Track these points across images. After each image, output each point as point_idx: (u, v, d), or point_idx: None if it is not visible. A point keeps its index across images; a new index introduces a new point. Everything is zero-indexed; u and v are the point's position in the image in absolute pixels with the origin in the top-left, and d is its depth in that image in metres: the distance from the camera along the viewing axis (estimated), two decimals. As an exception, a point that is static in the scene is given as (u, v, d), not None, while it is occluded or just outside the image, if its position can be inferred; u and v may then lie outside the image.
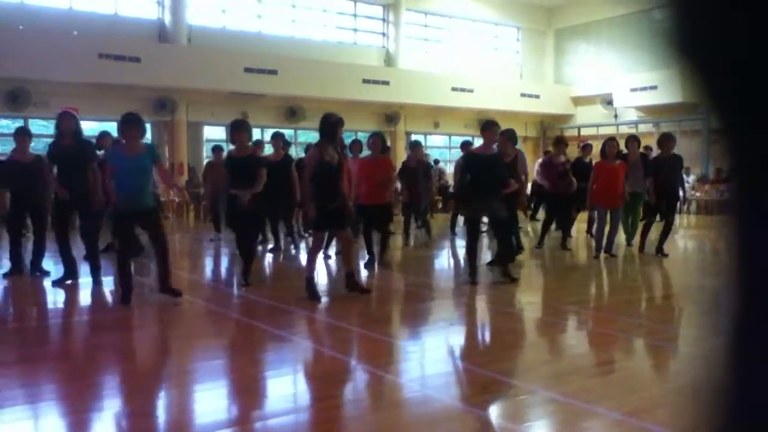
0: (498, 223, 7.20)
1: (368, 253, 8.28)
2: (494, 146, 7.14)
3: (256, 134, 19.83)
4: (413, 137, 21.68)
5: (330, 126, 6.24)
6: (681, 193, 10.06)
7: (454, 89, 20.93)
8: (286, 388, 4.04)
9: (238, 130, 6.93)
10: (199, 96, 17.43)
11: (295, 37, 19.84)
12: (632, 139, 9.73)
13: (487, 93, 21.41)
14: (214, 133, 18.92)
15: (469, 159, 7.32)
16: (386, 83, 19.85)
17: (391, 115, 20.86)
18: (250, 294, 6.64)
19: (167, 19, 17.73)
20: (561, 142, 10.43)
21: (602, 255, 9.14)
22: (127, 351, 4.91)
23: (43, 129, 16.37)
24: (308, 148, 8.77)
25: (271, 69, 17.75)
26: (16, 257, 7.63)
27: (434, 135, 22.87)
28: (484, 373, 4.10)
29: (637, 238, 9.66)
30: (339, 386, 3.99)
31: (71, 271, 7.12)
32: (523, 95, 22.57)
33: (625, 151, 9.60)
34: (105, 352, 4.74)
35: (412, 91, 20.07)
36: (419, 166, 10.77)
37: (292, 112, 19.08)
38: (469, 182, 6.99)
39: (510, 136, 8.31)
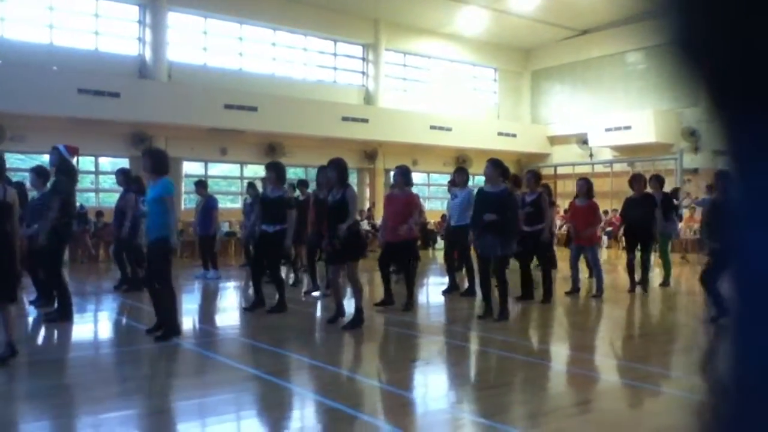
0: None
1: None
2: None
3: (235, 170, 19.98)
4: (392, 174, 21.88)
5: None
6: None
7: (432, 127, 21.17)
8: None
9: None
10: (178, 131, 17.43)
11: (276, 75, 20.02)
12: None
13: (465, 132, 21.72)
14: (194, 169, 18.91)
15: None
16: (365, 121, 20.03)
17: (370, 152, 21.02)
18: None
19: (148, 55, 17.81)
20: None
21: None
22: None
23: (19, 163, 16.26)
24: None
25: (251, 106, 17.82)
26: None
27: (413, 172, 22.94)
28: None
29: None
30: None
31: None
32: (500, 134, 22.89)
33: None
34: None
35: (390, 128, 20.28)
36: None
37: (272, 149, 19.14)
38: None
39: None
